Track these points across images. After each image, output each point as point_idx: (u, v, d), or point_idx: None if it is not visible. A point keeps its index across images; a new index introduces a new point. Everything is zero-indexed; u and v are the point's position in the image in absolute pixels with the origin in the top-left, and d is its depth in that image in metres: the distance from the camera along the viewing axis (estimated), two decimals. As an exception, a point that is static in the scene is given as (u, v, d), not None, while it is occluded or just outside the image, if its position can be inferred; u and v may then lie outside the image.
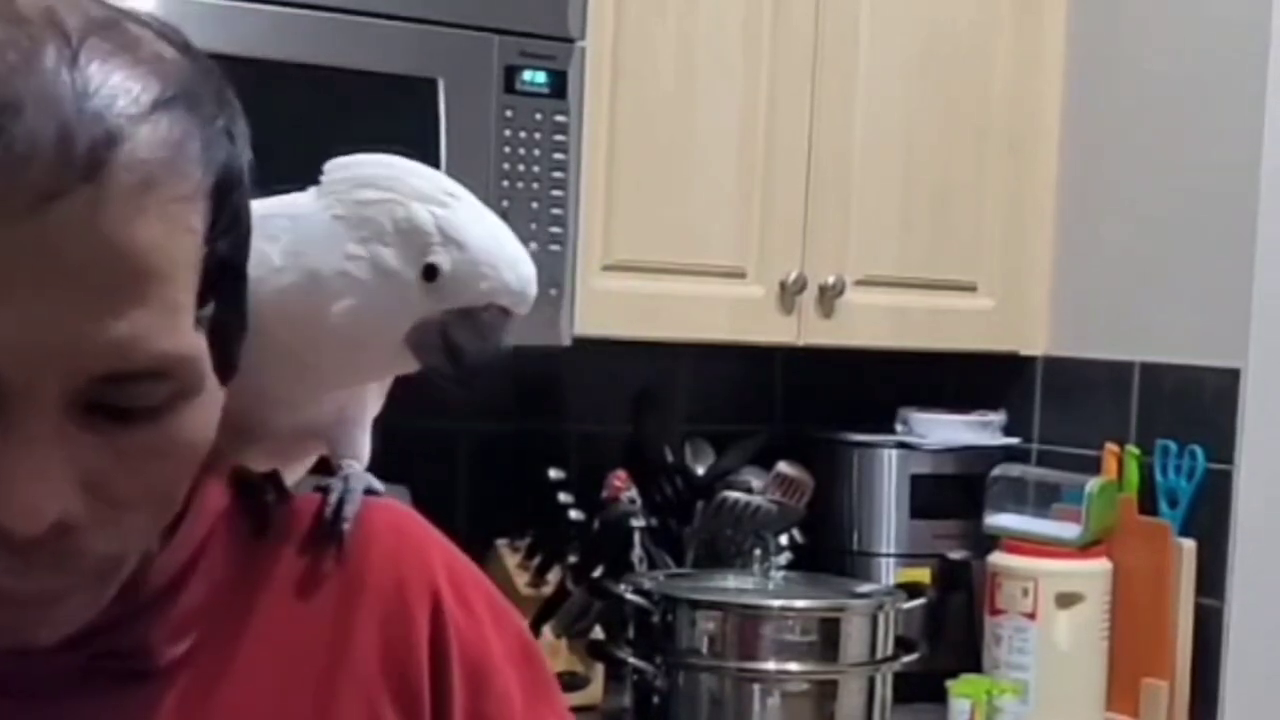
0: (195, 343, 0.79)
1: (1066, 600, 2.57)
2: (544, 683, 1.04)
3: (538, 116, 2.25)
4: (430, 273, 0.98)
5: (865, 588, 2.50)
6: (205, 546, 0.92)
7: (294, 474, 1.07)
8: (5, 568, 0.76)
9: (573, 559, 2.44)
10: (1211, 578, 2.54)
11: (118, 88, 0.74)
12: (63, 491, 0.75)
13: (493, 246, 1.00)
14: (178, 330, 0.77)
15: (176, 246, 0.76)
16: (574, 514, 2.42)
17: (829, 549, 2.72)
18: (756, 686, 2.32)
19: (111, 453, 0.77)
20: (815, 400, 2.93)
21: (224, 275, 0.81)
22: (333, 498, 0.98)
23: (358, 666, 0.93)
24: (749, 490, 2.60)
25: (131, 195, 0.74)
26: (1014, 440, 2.81)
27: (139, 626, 0.87)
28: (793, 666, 2.32)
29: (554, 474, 2.46)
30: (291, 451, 1.04)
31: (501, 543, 2.53)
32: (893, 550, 2.73)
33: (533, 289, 1.01)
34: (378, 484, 1.03)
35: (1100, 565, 2.59)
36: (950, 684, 2.52)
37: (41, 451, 0.75)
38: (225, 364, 0.83)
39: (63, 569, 0.78)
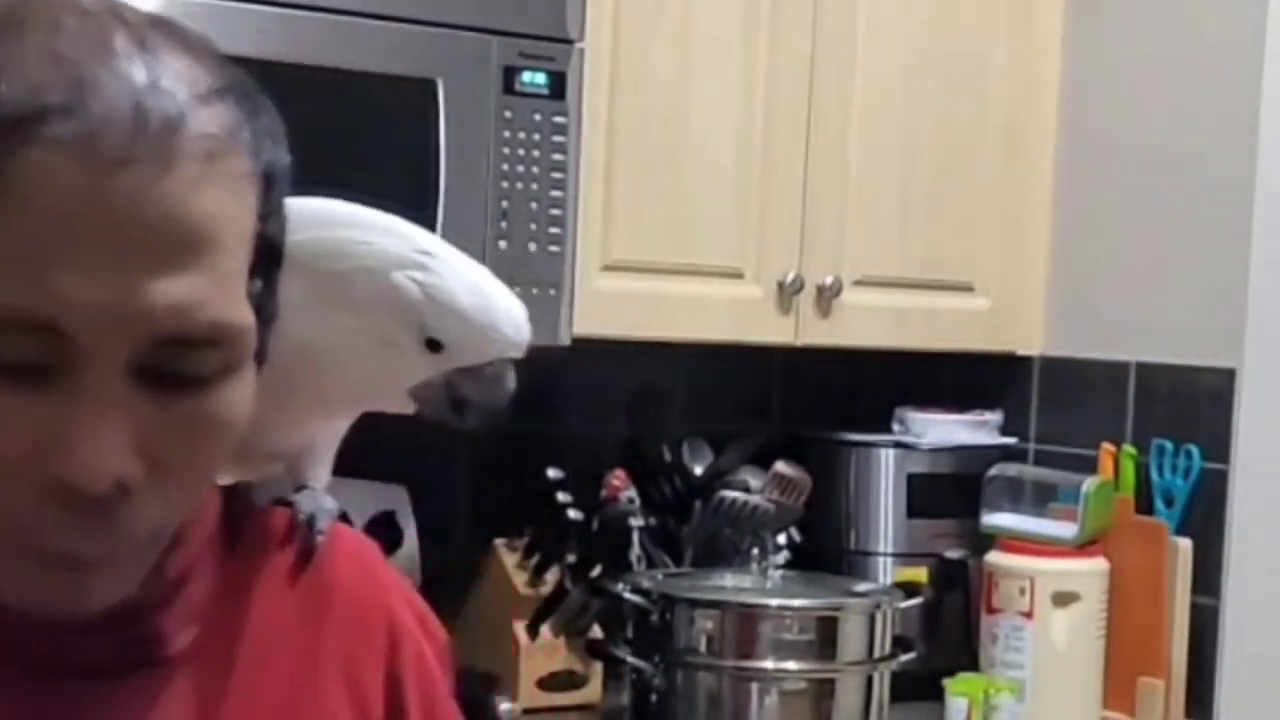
0: (247, 315, 0.84)
1: (1063, 599, 2.57)
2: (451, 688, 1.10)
3: (536, 117, 2.26)
4: (434, 345, 0.99)
5: (862, 587, 2.51)
6: (207, 544, 0.97)
7: None
8: (61, 526, 0.80)
9: (571, 558, 2.44)
10: (1207, 577, 2.54)
11: (182, 73, 0.81)
12: (124, 452, 0.80)
13: (486, 306, 1.01)
14: (233, 300, 0.83)
15: (234, 218, 0.82)
16: (572, 513, 2.42)
17: (826, 548, 2.73)
18: (754, 685, 2.33)
19: (164, 420, 0.81)
20: (813, 400, 2.94)
21: (269, 257, 0.87)
22: (304, 512, 1.03)
23: (326, 668, 0.99)
24: (747, 490, 2.61)
25: (196, 164, 0.79)
26: (1011, 440, 2.82)
27: (156, 615, 0.92)
28: (790, 665, 2.32)
29: (553, 473, 2.46)
30: (253, 469, 1.07)
31: (500, 542, 2.53)
32: (890, 549, 2.74)
33: (528, 333, 1.03)
34: (337, 507, 1.06)
35: (1097, 564, 2.60)
36: (947, 683, 2.52)
37: (107, 411, 0.79)
38: (260, 349, 0.87)
39: (115, 533, 0.82)
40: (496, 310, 1.01)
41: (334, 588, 1.01)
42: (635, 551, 2.54)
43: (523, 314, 1.03)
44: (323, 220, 1.02)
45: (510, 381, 1.04)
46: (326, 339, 0.99)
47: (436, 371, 1.01)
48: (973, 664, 2.63)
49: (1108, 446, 2.64)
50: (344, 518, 1.06)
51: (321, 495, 1.06)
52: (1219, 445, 2.54)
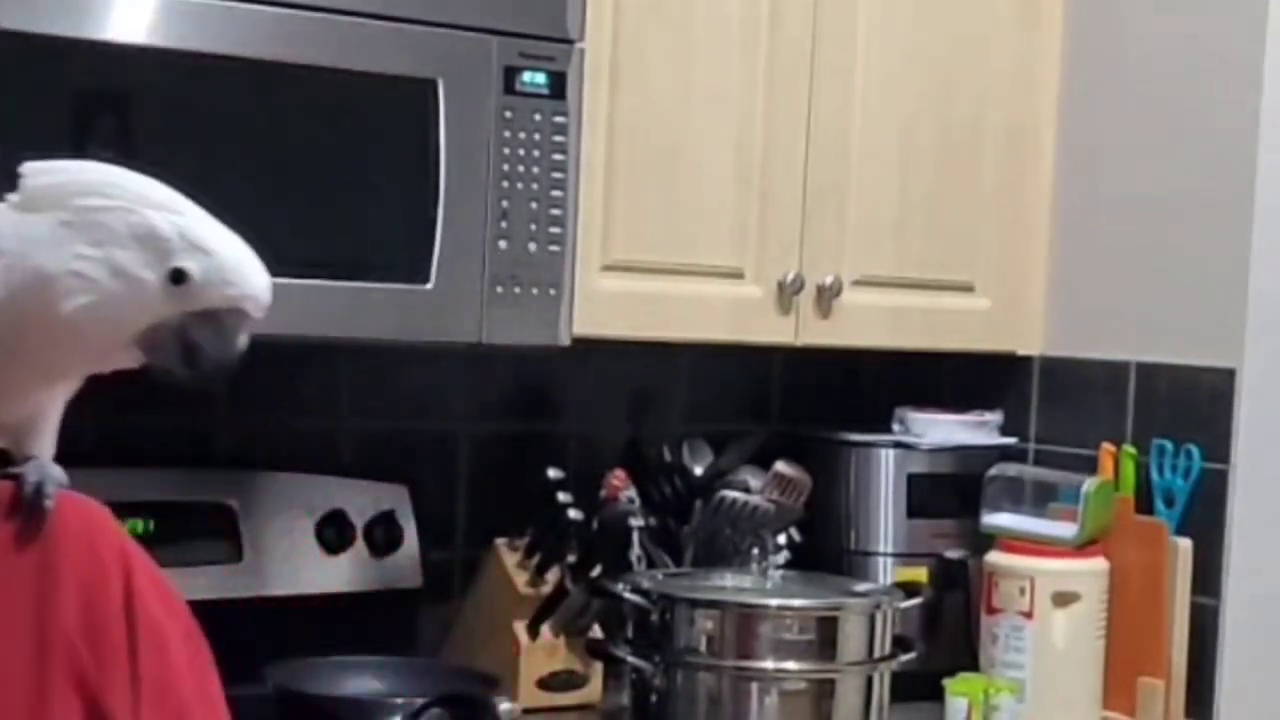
0: None
1: (1063, 599, 2.57)
2: (206, 663, 1.15)
3: (537, 117, 2.26)
4: (178, 276, 1.02)
5: (862, 587, 2.51)
6: None
7: None
8: None
9: (571, 558, 2.44)
10: (1207, 577, 2.54)
11: None
12: None
13: (235, 254, 1.06)
14: None
15: None
16: (573, 513, 2.42)
17: (826, 548, 2.73)
18: (754, 685, 2.33)
19: None
20: (813, 400, 2.94)
21: None
22: (30, 480, 1.08)
23: (62, 621, 1.05)
24: (747, 490, 2.61)
25: None
26: (1011, 440, 2.82)
27: None
28: (790, 665, 2.32)
29: (553, 473, 2.46)
30: None
31: (500, 542, 2.53)
32: (890, 549, 2.74)
33: (269, 297, 1.07)
34: (64, 476, 1.11)
35: (1097, 564, 2.60)
36: (947, 683, 2.52)
37: None
38: None
39: None
40: (244, 259, 1.06)
41: (65, 544, 1.06)
42: (635, 551, 2.54)
43: (268, 280, 1.07)
44: (85, 169, 1.06)
45: (244, 339, 1.07)
46: (64, 266, 1.01)
47: (173, 311, 1.03)
48: (973, 664, 2.63)
49: (1108, 446, 2.65)
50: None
51: (48, 465, 1.10)
52: (1219, 445, 2.54)
